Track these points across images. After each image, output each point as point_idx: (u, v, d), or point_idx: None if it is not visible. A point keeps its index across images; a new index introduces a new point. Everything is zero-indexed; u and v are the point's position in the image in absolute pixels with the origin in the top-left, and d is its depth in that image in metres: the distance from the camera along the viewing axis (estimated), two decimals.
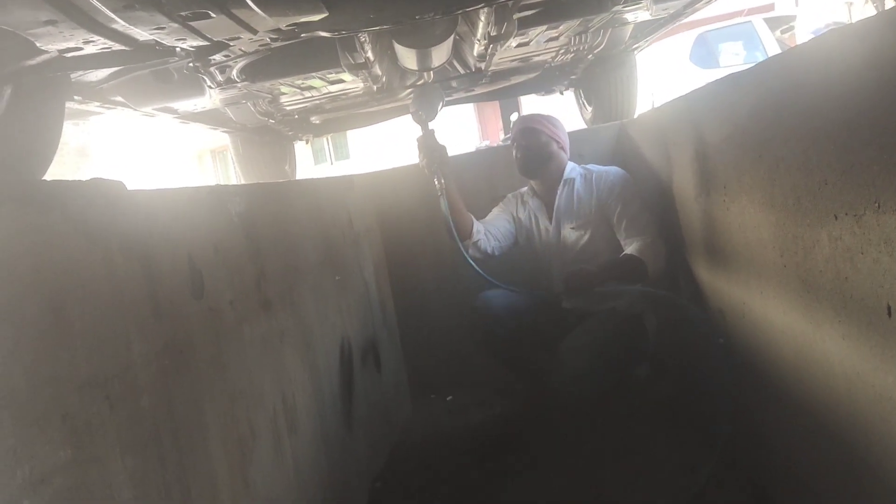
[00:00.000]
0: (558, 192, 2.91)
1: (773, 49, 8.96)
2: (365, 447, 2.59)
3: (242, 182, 4.38)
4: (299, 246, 2.26)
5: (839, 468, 1.54)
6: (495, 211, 3.09)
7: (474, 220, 2.88)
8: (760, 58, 8.55)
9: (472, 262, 2.71)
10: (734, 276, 2.03)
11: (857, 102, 1.23)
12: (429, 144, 2.67)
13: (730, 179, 1.93)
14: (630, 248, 2.63)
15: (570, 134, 3.64)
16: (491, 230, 2.94)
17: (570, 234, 2.89)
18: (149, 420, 1.21)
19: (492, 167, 3.44)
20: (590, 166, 2.98)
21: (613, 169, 2.93)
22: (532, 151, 2.89)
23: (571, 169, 2.95)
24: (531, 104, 10.09)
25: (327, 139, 17.55)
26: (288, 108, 3.05)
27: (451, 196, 2.72)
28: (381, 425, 2.89)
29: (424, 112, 2.68)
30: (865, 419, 1.38)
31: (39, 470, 0.90)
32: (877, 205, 1.20)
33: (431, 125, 2.70)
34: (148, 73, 1.97)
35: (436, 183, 2.67)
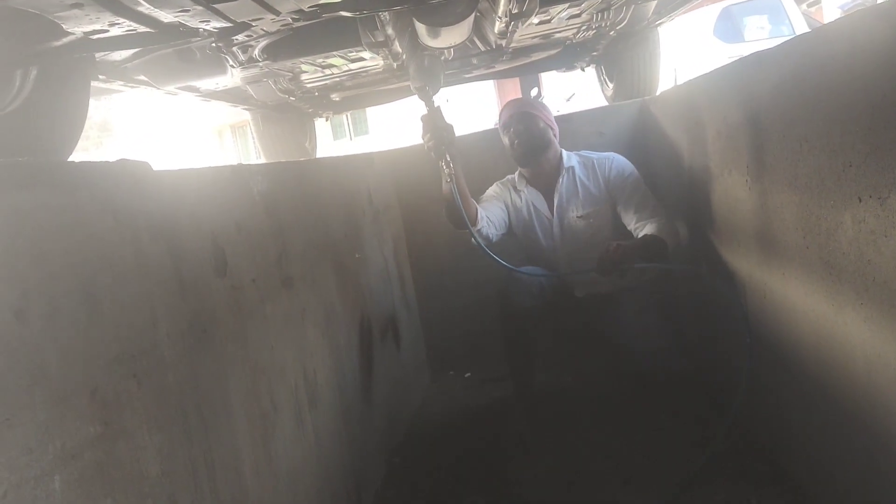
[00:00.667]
0: (560, 180, 2.83)
1: (800, 23, 8.78)
2: (384, 422, 2.63)
3: (263, 159, 4.41)
4: (320, 223, 2.28)
5: (857, 448, 1.54)
6: (487, 197, 2.93)
7: (477, 206, 2.72)
8: (786, 32, 8.40)
9: (486, 249, 2.55)
10: (755, 256, 2.02)
11: (882, 84, 1.21)
12: (436, 123, 2.40)
13: (752, 159, 1.91)
14: (647, 229, 2.60)
15: (592, 111, 3.63)
16: (489, 216, 2.77)
17: (576, 222, 2.82)
18: (175, 396, 1.23)
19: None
20: (584, 153, 2.90)
21: (614, 154, 2.86)
22: (532, 137, 2.77)
23: (569, 156, 2.86)
24: (551, 80, 10.02)
25: (347, 115, 17.54)
26: (308, 85, 3.05)
27: (458, 181, 2.49)
28: (399, 400, 2.92)
29: (430, 86, 2.43)
30: (885, 401, 1.38)
31: (70, 445, 0.93)
32: None
33: (436, 101, 2.47)
34: (171, 53, 1.98)
35: (443, 167, 2.44)
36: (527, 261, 2.91)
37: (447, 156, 2.43)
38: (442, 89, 2.61)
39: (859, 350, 1.45)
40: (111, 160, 1.15)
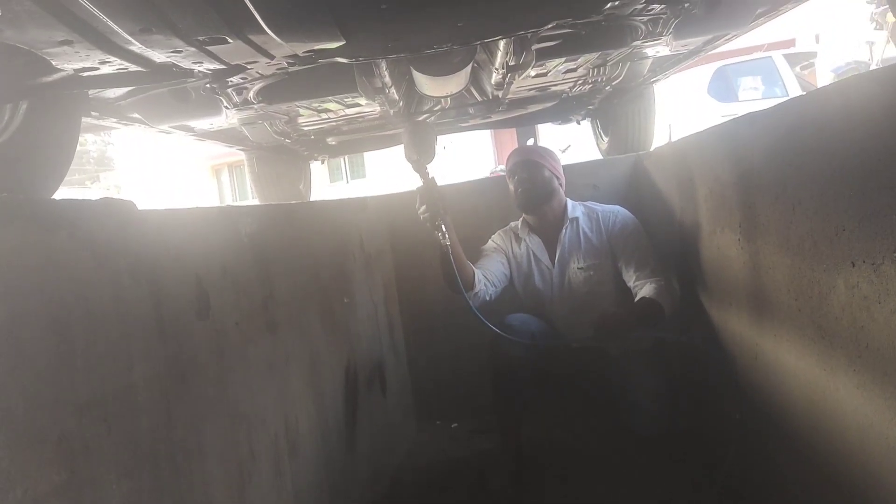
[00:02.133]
0: (563, 231, 2.84)
1: (793, 85, 8.95)
2: (367, 472, 2.56)
3: (257, 199, 4.40)
4: (309, 267, 2.25)
5: None
6: (488, 251, 2.94)
7: (474, 268, 2.72)
8: (779, 93, 8.55)
9: (479, 314, 2.51)
10: (747, 317, 2.00)
11: (876, 149, 1.21)
12: (431, 195, 2.42)
13: (745, 219, 1.91)
14: (644, 291, 2.58)
15: (587, 164, 3.65)
16: (487, 275, 2.77)
17: (576, 274, 2.81)
18: (147, 442, 1.19)
19: (500, 197, 3.40)
20: (590, 204, 2.90)
21: (620, 208, 2.87)
22: (535, 186, 2.79)
23: (574, 207, 2.88)
24: (548, 131, 10.10)
25: (344, 158, 17.65)
26: (305, 128, 3.06)
27: (455, 250, 2.51)
28: (384, 450, 2.86)
29: (422, 156, 2.44)
30: (878, 470, 1.35)
31: (33, 493, 0.89)
32: (895, 254, 1.18)
33: (431, 171, 2.47)
34: (166, 92, 1.98)
35: (440, 237, 2.47)
36: (524, 312, 2.86)
37: (443, 227, 2.46)
38: (438, 136, 2.63)
39: (852, 418, 1.42)
40: (94, 199, 1.13)
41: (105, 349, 1.09)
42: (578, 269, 2.80)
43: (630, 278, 2.69)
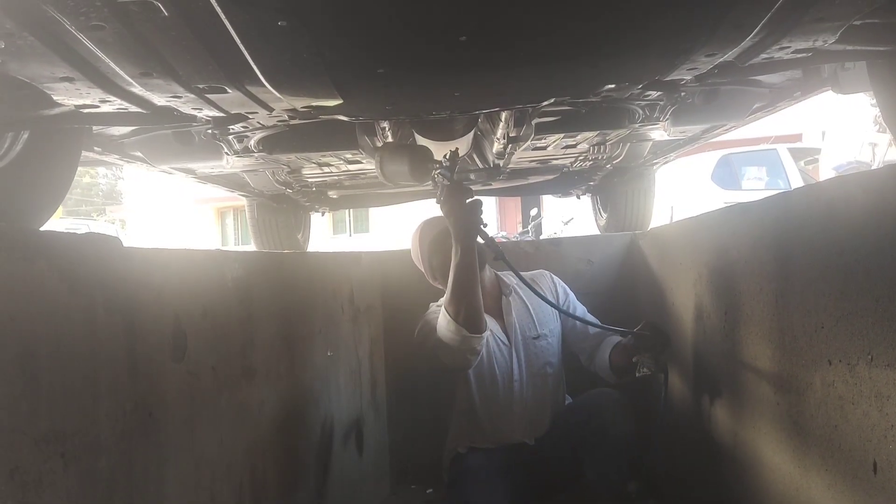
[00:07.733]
0: (506, 299, 2.61)
1: (796, 178, 9.09)
2: None
3: (254, 245, 4.42)
4: (294, 317, 2.24)
5: None
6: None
7: None
8: (782, 185, 8.67)
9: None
10: (730, 406, 1.99)
11: (855, 250, 1.23)
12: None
13: (731, 306, 1.92)
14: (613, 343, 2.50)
15: (583, 238, 3.67)
16: None
17: (533, 345, 2.57)
18: (105, 481, 1.17)
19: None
20: (507, 273, 2.59)
21: (543, 271, 2.74)
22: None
23: (503, 274, 2.64)
24: (552, 202, 10.19)
25: (349, 211, 17.76)
26: (306, 179, 3.09)
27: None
28: None
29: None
30: None
31: None
32: (870, 357, 1.19)
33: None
34: (169, 134, 2.02)
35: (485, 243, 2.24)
36: (481, 410, 2.63)
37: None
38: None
39: None
40: (78, 232, 1.14)
41: (71, 382, 1.09)
42: (534, 338, 2.56)
43: (588, 339, 2.57)
